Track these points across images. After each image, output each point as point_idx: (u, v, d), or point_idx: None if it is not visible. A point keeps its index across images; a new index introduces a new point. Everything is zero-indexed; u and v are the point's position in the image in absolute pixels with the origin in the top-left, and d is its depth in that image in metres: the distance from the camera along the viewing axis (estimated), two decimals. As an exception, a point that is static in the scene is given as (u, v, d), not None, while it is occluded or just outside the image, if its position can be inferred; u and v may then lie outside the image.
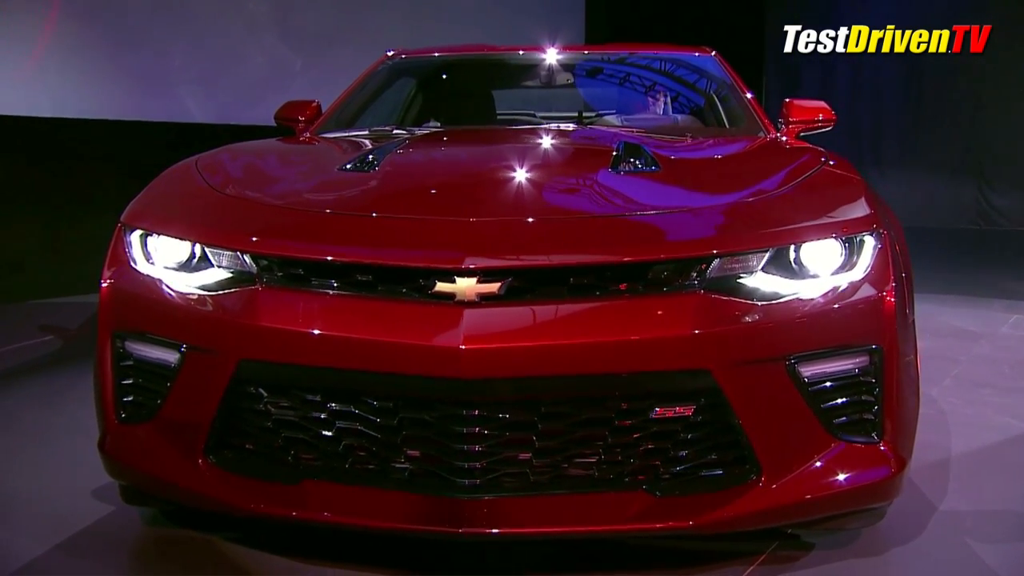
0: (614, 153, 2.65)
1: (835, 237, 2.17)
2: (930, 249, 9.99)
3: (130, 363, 2.27)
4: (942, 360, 4.60)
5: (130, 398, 2.28)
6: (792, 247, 2.14)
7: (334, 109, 3.80)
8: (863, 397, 2.16)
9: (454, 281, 1.99)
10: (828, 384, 2.13)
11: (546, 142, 3.09)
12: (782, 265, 2.13)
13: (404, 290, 2.04)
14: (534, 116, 4.02)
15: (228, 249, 2.17)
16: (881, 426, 2.17)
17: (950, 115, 11.75)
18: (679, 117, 4.06)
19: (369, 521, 2.07)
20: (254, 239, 2.15)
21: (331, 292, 2.07)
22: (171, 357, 2.17)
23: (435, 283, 2.00)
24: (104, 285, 2.31)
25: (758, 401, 2.06)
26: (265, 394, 2.11)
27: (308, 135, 3.56)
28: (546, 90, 4.31)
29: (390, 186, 2.47)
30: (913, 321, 2.34)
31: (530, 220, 2.17)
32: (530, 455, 2.05)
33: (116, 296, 2.30)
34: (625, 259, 2.05)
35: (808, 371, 2.10)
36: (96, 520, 2.54)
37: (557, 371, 1.97)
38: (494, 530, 2.03)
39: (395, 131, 3.49)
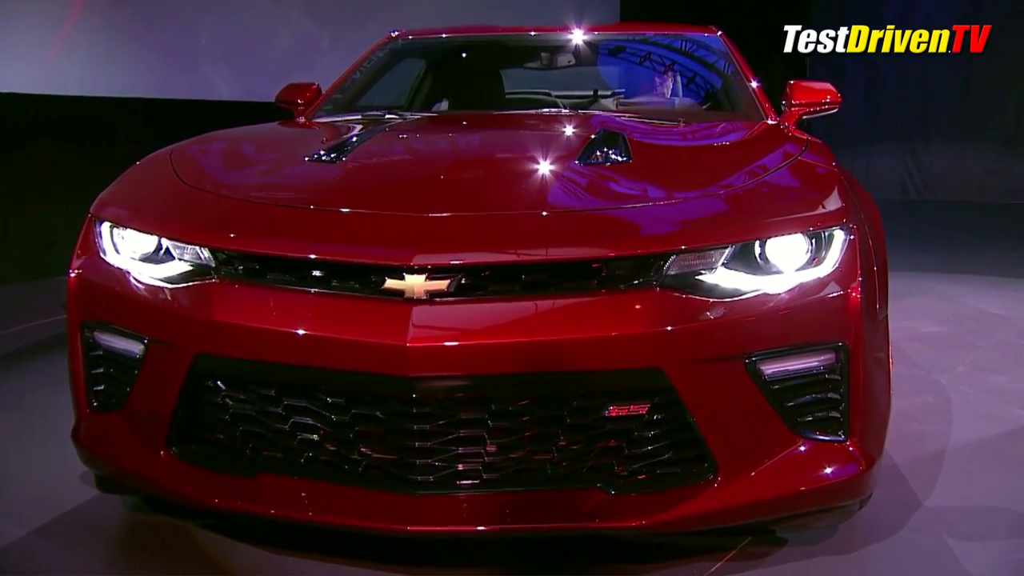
0: (591, 138, 2.60)
1: (802, 232, 2.11)
2: (971, 227, 9.76)
3: (99, 353, 2.30)
4: (959, 346, 4.48)
5: (100, 387, 2.32)
6: (757, 243, 2.09)
7: (332, 92, 3.78)
8: (828, 395, 2.12)
9: (403, 278, 1.97)
10: (791, 382, 2.08)
11: (522, 131, 3.04)
12: (746, 260, 2.08)
13: (356, 286, 2.03)
14: (549, 95, 3.97)
15: (187, 243, 2.18)
16: (848, 424, 2.12)
17: (1001, 89, 11.45)
18: (678, 99, 3.98)
19: (323, 517, 2.08)
20: (210, 234, 2.16)
21: (285, 287, 2.06)
22: (136, 348, 2.20)
23: (385, 280, 1.99)
24: (72, 275, 2.34)
25: (715, 400, 2.03)
26: (223, 387, 2.13)
27: (303, 119, 3.55)
28: (553, 71, 4.24)
29: (352, 179, 2.46)
30: (886, 317, 2.28)
31: (484, 215, 2.15)
32: (481, 453, 2.04)
33: (85, 286, 2.32)
34: (577, 256, 2.01)
35: (770, 369, 2.05)
36: (78, 505, 2.58)
37: (505, 369, 1.94)
38: (442, 528, 2.03)
39: (387, 115, 3.47)
